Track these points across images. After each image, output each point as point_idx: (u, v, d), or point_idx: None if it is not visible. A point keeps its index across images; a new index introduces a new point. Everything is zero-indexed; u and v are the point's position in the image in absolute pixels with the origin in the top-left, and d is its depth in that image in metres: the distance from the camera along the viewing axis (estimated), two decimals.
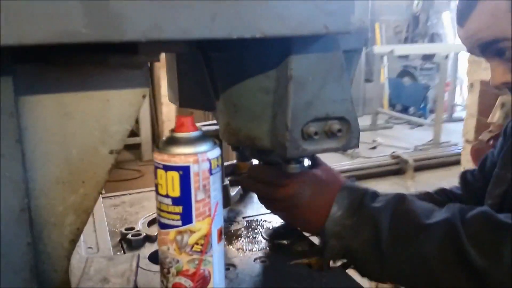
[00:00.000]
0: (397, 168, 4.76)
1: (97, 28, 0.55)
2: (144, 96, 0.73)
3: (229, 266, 0.85)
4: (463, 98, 7.06)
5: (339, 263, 0.84)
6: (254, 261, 0.87)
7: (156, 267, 0.77)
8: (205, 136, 0.65)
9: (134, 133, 4.77)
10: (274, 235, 0.95)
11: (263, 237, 0.95)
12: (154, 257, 0.88)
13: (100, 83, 0.69)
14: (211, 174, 0.63)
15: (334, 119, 0.76)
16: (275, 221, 1.02)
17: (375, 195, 0.83)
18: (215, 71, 0.84)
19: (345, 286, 0.80)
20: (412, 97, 6.70)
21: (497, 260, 0.69)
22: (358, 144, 0.79)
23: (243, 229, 0.99)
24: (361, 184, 0.87)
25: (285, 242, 0.92)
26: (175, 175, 0.62)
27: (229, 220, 1.02)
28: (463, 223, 0.73)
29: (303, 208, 0.84)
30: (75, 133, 0.69)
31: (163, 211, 0.64)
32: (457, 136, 4.79)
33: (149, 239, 0.94)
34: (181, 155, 0.62)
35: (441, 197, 1.12)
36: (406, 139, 6.09)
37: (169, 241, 0.64)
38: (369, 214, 0.78)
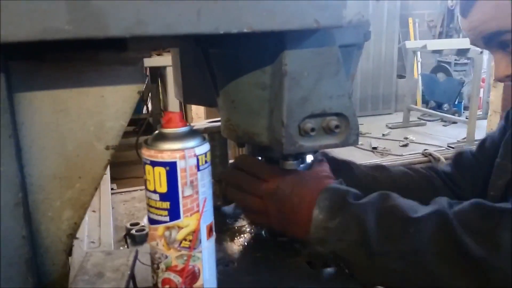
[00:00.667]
0: (429, 165, 4.65)
1: (80, 24, 0.55)
2: (139, 92, 0.73)
3: (229, 262, 0.85)
4: None
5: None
6: (254, 258, 0.86)
7: None
8: (193, 132, 0.65)
9: None
10: (276, 233, 0.94)
11: (266, 234, 0.95)
12: None
13: (95, 79, 0.70)
14: (198, 170, 0.63)
15: (331, 115, 0.75)
16: None
17: (358, 195, 0.79)
18: (214, 67, 0.84)
19: (345, 284, 0.79)
20: (447, 94, 6.53)
21: (495, 247, 0.65)
22: (358, 140, 0.78)
23: (246, 226, 0.98)
24: (344, 186, 0.82)
25: (286, 239, 0.91)
26: (162, 171, 0.62)
27: (234, 217, 1.01)
28: (454, 214, 0.70)
29: (280, 207, 0.80)
30: (71, 129, 0.71)
31: (151, 206, 0.64)
32: None
33: None
34: (167, 151, 0.62)
35: (428, 172, 1.07)
36: (439, 136, 5.94)
37: (158, 237, 0.65)
38: (353, 213, 0.75)
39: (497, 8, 0.78)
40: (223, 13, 0.60)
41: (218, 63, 0.82)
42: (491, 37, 0.81)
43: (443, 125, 6.48)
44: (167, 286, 0.66)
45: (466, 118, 5.79)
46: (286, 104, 0.72)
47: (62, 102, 0.69)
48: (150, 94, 4.86)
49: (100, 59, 0.67)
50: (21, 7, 0.53)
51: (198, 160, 0.63)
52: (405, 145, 5.60)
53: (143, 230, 0.95)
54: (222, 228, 0.96)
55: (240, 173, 0.87)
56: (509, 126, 0.95)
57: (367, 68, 6.78)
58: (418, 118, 6.68)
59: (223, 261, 0.84)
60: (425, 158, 4.99)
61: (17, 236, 0.66)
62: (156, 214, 0.64)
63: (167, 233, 0.64)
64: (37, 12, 0.53)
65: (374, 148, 5.31)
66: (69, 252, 0.78)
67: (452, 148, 5.32)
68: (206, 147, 0.64)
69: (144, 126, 4.37)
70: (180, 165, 0.62)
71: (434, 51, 6.23)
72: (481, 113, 6.34)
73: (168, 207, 0.63)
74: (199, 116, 5.04)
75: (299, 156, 0.84)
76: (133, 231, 0.94)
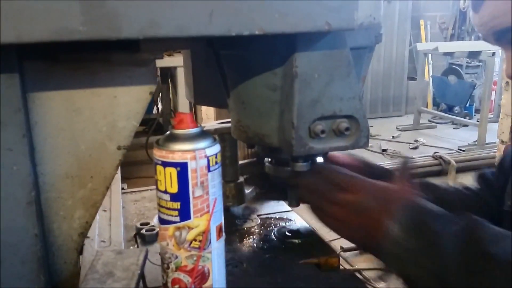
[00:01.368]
0: (439, 169, 4.61)
1: (94, 26, 0.56)
2: (151, 93, 0.74)
3: (238, 263, 0.85)
4: None
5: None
6: (263, 259, 0.87)
7: None
8: (204, 133, 0.65)
9: None
10: (286, 234, 0.94)
11: (275, 235, 0.95)
12: None
13: (107, 80, 0.71)
14: (209, 171, 0.63)
15: (342, 117, 0.75)
16: (289, 220, 1.02)
17: (443, 215, 0.73)
18: (225, 68, 0.84)
19: (353, 287, 0.79)
20: (458, 96, 6.48)
21: None
22: (368, 143, 0.78)
23: (256, 227, 0.99)
24: (430, 203, 0.76)
25: (296, 241, 0.92)
26: (173, 172, 0.62)
27: (243, 218, 1.02)
28: None
29: (362, 219, 0.77)
30: (84, 129, 0.71)
31: (162, 206, 0.65)
32: None
33: None
34: (178, 151, 0.62)
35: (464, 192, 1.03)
36: (449, 139, 5.90)
37: (168, 237, 0.65)
38: (433, 239, 0.69)
39: (508, 3, 0.77)
40: (235, 15, 0.60)
41: (229, 64, 0.83)
42: (503, 33, 0.80)
43: (454, 128, 6.44)
44: (177, 286, 0.66)
45: (477, 121, 5.75)
46: (296, 105, 0.73)
47: (75, 102, 0.70)
48: (160, 95, 4.88)
49: (113, 60, 0.68)
50: (36, 8, 0.54)
51: (208, 161, 0.63)
52: (415, 148, 5.57)
53: (153, 229, 0.96)
54: (231, 229, 0.97)
55: (321, 180, 0.83)
56: None
57: (378, 70, 6.75)
58: (429, 120, 6.64)
59: (232, 262, 0.85)
60: (436, 161, 4.94)
61: (29, 235, 0.67)
62: (167, 214, 0.64)
63: (177, 233, 0.64)
64: (51, 13, 0.54)
65: (384, 150, 5.29)
66: (80, 251, 0.79)
67: (463, 151, 5.29)
68: (216, 148, 0.65)
69: (154, 126, 4.39)
70: (191, 165, 0.62)
71: (446, 53, 6.19)
72: (492, 116, 6.29)
73: (179, 207, 0.63)
74: (209, 117, 5.05)
75: (309, 158, 0.84)
76: (143, 231, 0.95)
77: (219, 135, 1.00)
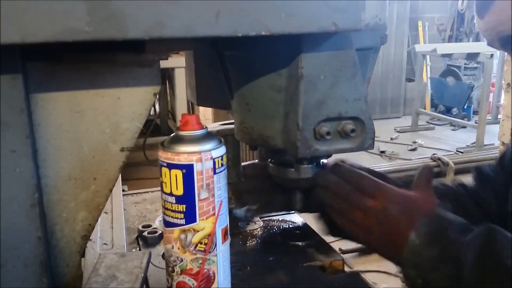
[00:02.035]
0: (437, 170, 4.62)
1: (100, 26, 0.55)
2: (155, 94, 0.73)
3: (242, 266, 0.84)
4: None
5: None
6: (267, 262, 0.86)
7: None
8: (210, 135, 0.65)
9: (172, 131, 4.84)
10: (289, 236, 0.93)
11: (278, 238, 0.94)
12: None
13: (111, 81, 0.70)
14: (215, 173, 0.63)
15: (347, 119, 0.74)
16: (292, 222, 1.01)
17: (462, 225, 0.74)
18: (229, 69, 0.83)
19: None
20: (456, 98, 6.49)
21: None
22: (373, 145, 0.77)
23: (259, 229, 0.98)
24: (449, 214, 0.77)
25: (300, 243, 0.91)
26: (178, 174, 0.62)
27: (246, 220, 1.01)
28: None
29: (384, 227, 0.77)
30: (87, 130, 0.70)
31: (167, 209, 0.64)
32: None
33: None
34: (184, 153, 0.62)
35: (458, 189, 1.04)
36: (447, 141, 5.91)
37: (173, 240, 0.64)
38: (453, 248, 0.71)
39: None
40: (242, 15, 0.59)
41: (233, 65, 0.82)
42: (509, 38, 0.80)
43: (452, 130, 6.45)
44: None
45: (476, 123, 5.76)
46: (302, 107, 0.72)
47: (78, 103, 0.69)
48: (157, 96, 4.87)
49: (118, 60, 0.67)
50: (41, 8, 0.53)
51: (214, 163, 0.63)
52: (414, 149, 5.57)
53: (155, 232, 0.95)
54: (234, 232, 0.96)
55: (344, 183, 0.82)
56: None
57: (376, 71, 6.74)
58: (427, 122, 6.65)
59: (236, 265, 0.84)
60: (434, 163, 4.94)
61: (32, 237, 0.66)
62: (172, 217, 0.64)
63: (182, 236, 0.64)
64: (56, 13, 0.53)
65: (382, 152, 5.28)
66: (82, 253, 0.78)
67: (461, 152, 5.29)
68: (222, 150, 0.64)
69: (152, 127, 4.38)
70: (196, 167, 0.61)
71: (444, 55, 6.20)
72: (490, 117, 6.30)
73: (184, 209, 0.63)
74: (206, 118, 5.04)
75: (314, 160, 0.83)
76: (145, 233, 0.94)
77: (221, 137, 0.99)
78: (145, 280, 0.73)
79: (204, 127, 0.64)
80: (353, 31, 0.66)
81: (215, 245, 0.65)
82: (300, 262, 0.85)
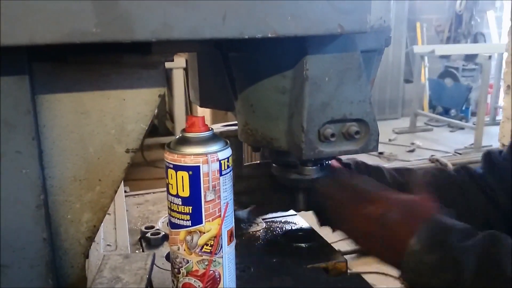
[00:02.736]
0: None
1: (107, 28, 0.55)
2: (160, 96, 0.73)
3: (245, 268, 0.85)
4: None
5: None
6: (271, 263, 0.86)
7: None
8: (216, 137, 0.65)
9: (169, 132, 4.84)
10: (292, 238, 0.94)
11: (281, 239, 0.94)
12: None
13: (116, 82, 0.70)
14: (221, 174, 0.63)
15: (352, 120, 0.75)
16: (294, 223, 1.01)
17: (464, 231, 0.74)
18: (233, 71, 0.84)
19: None
20: (454, 99, 6.51)
21: None
22: (378, 146, 0.78)
23: (262, 231, 0.98)
24: (451, 219, 0.77)
25: (303, 245, 0.91)
26: (184, 175, 0.62)
27: (248, 222, 1.01)
28: None
29: (385, 233, 0.77)
30: (92, 131, 0.71)
31: (173, 211, 0.64)
32: None
33: (168, 238, 0.94)
34: (190, 155, 0.62)
35: (461, 175, 1.02)
36: (446, 142, 5.92)
37: (179, 241, 0.65)
38: (453, 254, 0.70)
39: None
40: (249, 17, 0.60)
41: (237, 66, 0.82)
42: None
43: (450, 131, 6.46)
44: None
45: (474, 124, 5.77)
46: (306, 109, 0.72)
47: (84, 104, 0.69)
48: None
49: (124, 62, 0.67)
50: (48, 10, 0.53)
51: (220, 164, 0.63)
52: (412, 151, 5.58)
53: (158, 233, 0.95)
54: (237, 233, 0.96)
55: (344, 189, 0.83)
56: None
57: None
58: (425, 123, 6.66)
59: (239, 267, 0.84)
60: (432, 164, 4.97)
61: (38, 238, 0.66)
62: (178, 219, 0.64)
63: (188, 237, 0.64)
64: (64, 14, 0.53)
65: (381, 153, 5.29)
66: (87, 254, 0.78)
67: (459, 154, 5.30)
68: (228, 151, 0.64)
69: (150, 128, 4.37)
70: (203, 169, 0.61)
71: (442, 56, 6.22)
72: (488, 119, 6.32)
73: (190, 211, 0.63)
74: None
75: (318, 162, 0.83)
76: (148, 235, 0.94)
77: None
78: (149, 282, 0.73)
79: (210, 128, 0.64)
80: (359, 33, 0.66)
81: (221, 247, 0.65)
82: (304, 263, 0.85)
